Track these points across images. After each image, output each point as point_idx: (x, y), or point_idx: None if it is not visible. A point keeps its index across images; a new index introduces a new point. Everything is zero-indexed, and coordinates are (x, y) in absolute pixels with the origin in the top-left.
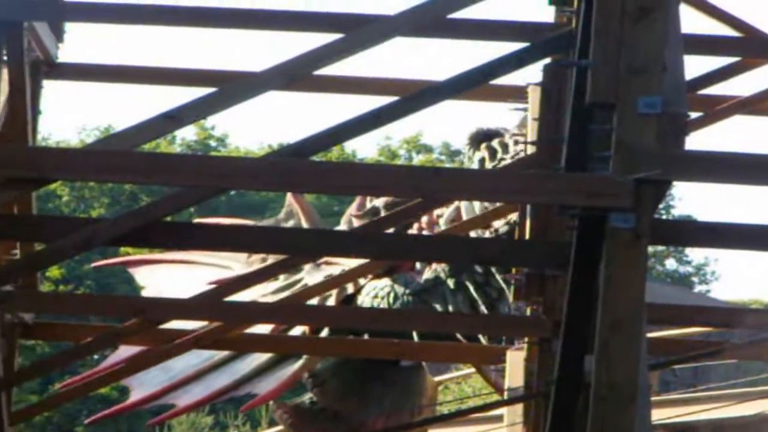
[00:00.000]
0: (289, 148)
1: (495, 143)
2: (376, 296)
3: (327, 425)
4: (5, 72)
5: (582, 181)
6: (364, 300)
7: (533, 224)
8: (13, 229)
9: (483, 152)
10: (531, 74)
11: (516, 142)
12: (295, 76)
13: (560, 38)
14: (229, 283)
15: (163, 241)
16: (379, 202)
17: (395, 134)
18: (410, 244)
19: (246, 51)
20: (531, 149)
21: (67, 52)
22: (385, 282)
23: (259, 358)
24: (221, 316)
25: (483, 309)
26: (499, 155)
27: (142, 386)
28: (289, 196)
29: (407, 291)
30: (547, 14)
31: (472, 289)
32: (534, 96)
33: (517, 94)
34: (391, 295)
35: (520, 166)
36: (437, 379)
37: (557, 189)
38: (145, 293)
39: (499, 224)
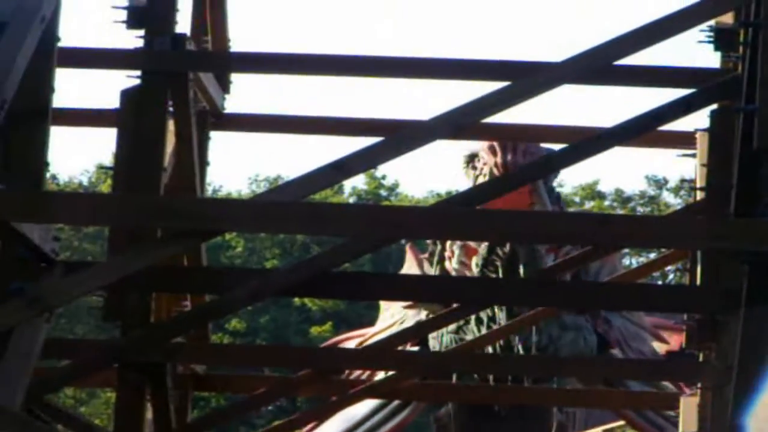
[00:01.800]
0: (459, 196)
1: (475, 161)
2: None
3: None
4: (172, 123)
5: (752, 226)
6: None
7: (704, 269)
8: (183, 281)
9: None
10: (699, 120)
11: (479, 159)
12: (463, 124)
13: (727, 83)
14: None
15: (335, 292)
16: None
17: (568, 181)
18: (584, 292)
19: (413, 99)
20: (700, 194)
21: (234, 103)
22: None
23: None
24: (394, 364)
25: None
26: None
27: None
28: (408, 251)
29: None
30: (713, 60)
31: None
32: (702, 142)
33: (686, 140)
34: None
35: (690, 212)
36: (608, 426)
37: (727, 234)
38: None
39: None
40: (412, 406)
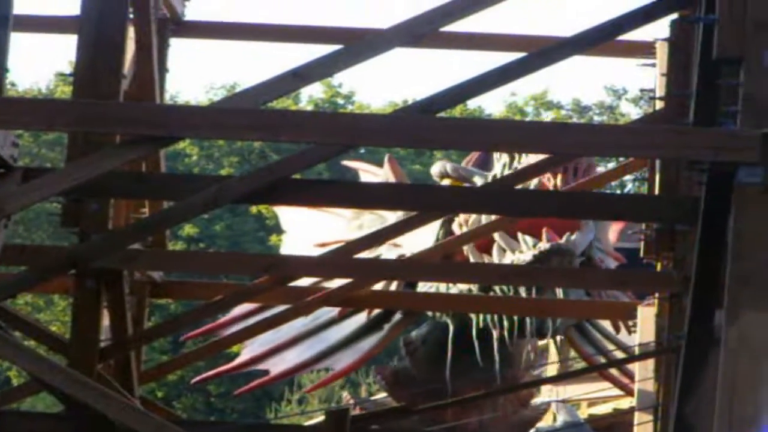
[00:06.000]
0: (417, 105)
1: None
2: None
3: (420, 391)
4: (132, 30)
5: (710, 136)
6: None
7: (662, 179)
8: (141, 187)
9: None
10: (659, 29)
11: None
12: (421, 33)
13: None
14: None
15: (291, 199)
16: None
17: (520, 91)
18: (544, 201)
19: (371, 8)
20: (660, 104)
21: (194, 10)
22: None
23: (345, 329)
24: (351, 273)
25: None
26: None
27: (252, 346)
28: (386, 163)
29: None
30: None
31: None
32: (662, 51)
33: (646, 49)
34: None
35: (649, 121)
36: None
37: (685, 144)
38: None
39: None
40: (381, 336)
